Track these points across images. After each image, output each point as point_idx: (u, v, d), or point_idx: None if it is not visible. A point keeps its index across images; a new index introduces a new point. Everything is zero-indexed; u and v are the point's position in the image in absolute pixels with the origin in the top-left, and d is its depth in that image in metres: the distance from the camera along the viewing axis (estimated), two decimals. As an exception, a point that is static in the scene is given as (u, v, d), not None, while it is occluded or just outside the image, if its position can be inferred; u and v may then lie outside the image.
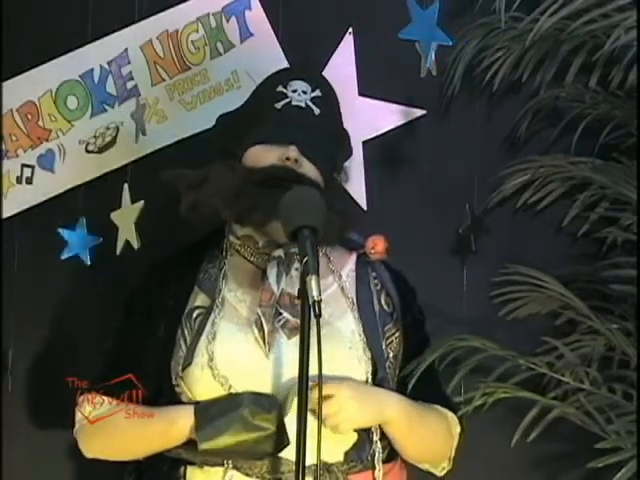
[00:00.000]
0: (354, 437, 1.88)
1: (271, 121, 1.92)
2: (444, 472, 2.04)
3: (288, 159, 1.88)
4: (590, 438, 2.18)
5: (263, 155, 1.91)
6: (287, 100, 1.93)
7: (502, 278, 2.42)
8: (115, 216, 2.51)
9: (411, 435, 1.92)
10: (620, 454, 2.13)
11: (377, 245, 1.98)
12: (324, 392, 1.68)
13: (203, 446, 1.76)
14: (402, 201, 2.55)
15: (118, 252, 2.50)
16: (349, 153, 2.07)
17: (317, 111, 1.93)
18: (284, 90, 1.93)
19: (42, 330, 2.61)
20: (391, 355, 1.94)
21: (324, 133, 1.94)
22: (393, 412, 1.88)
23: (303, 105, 1.92)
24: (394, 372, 1.95)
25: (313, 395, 1.66)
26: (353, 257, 2.03)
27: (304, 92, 1.93)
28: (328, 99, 1.97)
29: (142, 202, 2.49)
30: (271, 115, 1.92)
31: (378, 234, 2.01)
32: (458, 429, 2.04)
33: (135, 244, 2.49)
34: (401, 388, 1.95)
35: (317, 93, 1.94)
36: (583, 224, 2.52)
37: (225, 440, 1.76)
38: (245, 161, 1.93)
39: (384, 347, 1.93)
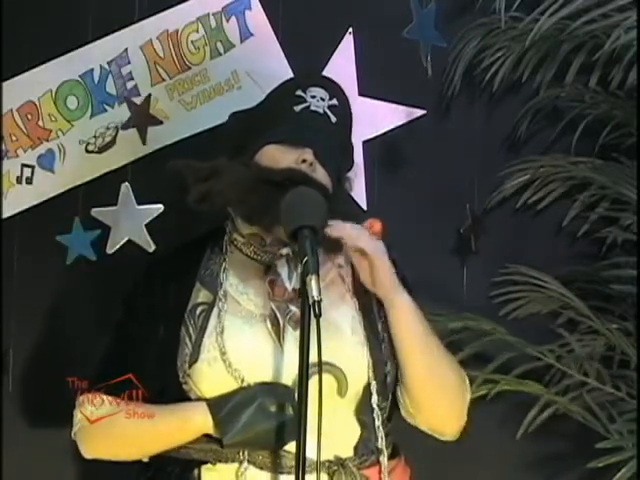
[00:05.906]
0: (359, 431, 1.88)
1: (289, 122, 1.92)
2: (453, 436, 1.97)
3: (304, 161, 1.89)
4: (590, 437, 2.18)
5: (279, 155, 1.91)
6: (306, 104, 1.93)
7: (502, 278, 2.43)
8: (104, 214, 2.50)
9: (419, 338, 1.88)
10: (620, 454, 2.13)
11: (374, 226, 1.97)
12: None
13: (228, 442, 1.78)
14: (402, 201, 2.55)
15: (111, 251, 2.49)
16: (352, 164, 2.08)
17: (334, 119, 1.94)
18: (303, 95, 1.93)
19: (42, 330, 2.61)
20: (387, 337, 1.94)
21: (337, 141, 1.96)
22: (405, 293, 1.87)
23: (321, 111, 1.93)
24: (389, 354, 1.94)
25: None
26: None
27: (322, 99, 1.94)
28: (343, 109, 1.98)
29: (160, 206, 2.47)
30: (289, 117, 1.92)
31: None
32: (469, 395, 1.97)
33: (150, 247, 2.47)
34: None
35: (334, 102, 1.95)
36: (583, 224, 2.52)
37: (249, 433, 1.77)
38: (259, 159, 1.92)
39: (380, 329, 1.94)
